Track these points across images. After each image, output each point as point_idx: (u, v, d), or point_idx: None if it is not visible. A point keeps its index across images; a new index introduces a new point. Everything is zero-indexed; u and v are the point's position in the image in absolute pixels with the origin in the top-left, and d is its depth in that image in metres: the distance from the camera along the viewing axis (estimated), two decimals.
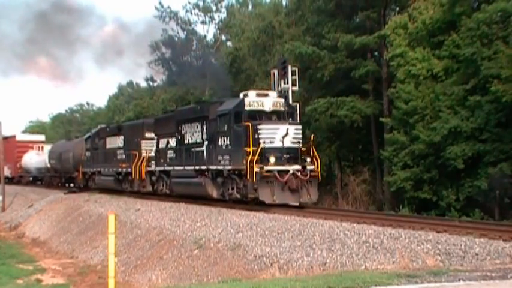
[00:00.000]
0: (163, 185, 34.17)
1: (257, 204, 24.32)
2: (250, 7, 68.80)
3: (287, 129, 24.25)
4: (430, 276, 11.96)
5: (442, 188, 30.69)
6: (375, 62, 44.31)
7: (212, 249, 21.21)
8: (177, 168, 31.39)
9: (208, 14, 72.46)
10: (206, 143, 28.25)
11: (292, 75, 33.26)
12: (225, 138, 25.85)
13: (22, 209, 49.10)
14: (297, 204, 24.59)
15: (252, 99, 26.10)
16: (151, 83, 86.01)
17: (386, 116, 40.59)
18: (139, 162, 35.57)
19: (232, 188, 25.86)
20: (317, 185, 25.09)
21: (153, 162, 34.99)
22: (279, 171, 23.49)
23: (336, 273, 14.49)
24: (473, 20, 34.46)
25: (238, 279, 16.32)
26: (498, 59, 32.63)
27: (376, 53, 46.81)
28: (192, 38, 74.31)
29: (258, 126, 24.17)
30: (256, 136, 23.80)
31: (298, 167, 24.01)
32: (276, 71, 33.99)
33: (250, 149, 23.54)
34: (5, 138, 68.64)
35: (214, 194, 27.64)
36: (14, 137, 73.45)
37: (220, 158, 26.21)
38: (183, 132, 31.15)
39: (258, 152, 23.38)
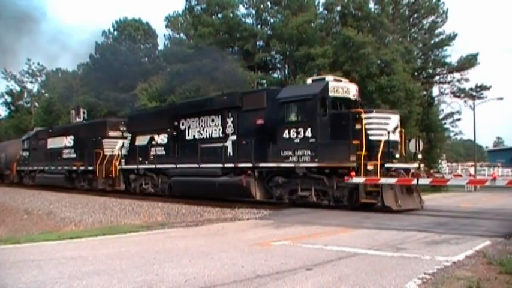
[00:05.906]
0: (146, 184, 20.33)
1: (355, 209, 12.69)
2: (60, 74, 64.81)
3: (398, 119, 13.14)
4: (159, 226, 12.00)
5: None
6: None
7: (35, 214, 19.65)
8: (180, 166, 17.78)
9: (34, 77, 67.42)
10: (234, 137, 15.99)
11: (83, 113, 31.22)
12: (300, 130, 13.67)
13: None
14: (420, 209, 12.92)
15: (335, 85, 13.83)
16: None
17: None
18: (105, 160, 22.65)
19: (302, 190, 14.00)
20: None
21: (123, 160, 21.50)
22: (405, 169, 12.76)
23: (108, 226, 14.19)
24: (181, 90, 35.84)
25: (50, 232, 15.52)
26: None
27: (131, 104, 46.07)
28: (24, 91, 68.62)
29: (365, 115, 12.75)
30: (360, 127, 12.59)
31: (416, 165, 13.38)
32: (73, 111, 31.63)
33: (364, 143, 12.41)
34: None
35: (258, 195, 15.25)
36: None
37: (287, 153, 13.95)
38: (182, 128, 18.22)
39: (381, 146, 12.31)
